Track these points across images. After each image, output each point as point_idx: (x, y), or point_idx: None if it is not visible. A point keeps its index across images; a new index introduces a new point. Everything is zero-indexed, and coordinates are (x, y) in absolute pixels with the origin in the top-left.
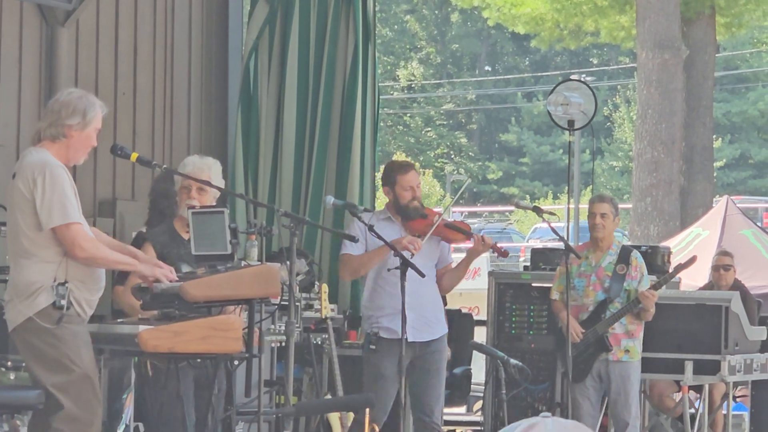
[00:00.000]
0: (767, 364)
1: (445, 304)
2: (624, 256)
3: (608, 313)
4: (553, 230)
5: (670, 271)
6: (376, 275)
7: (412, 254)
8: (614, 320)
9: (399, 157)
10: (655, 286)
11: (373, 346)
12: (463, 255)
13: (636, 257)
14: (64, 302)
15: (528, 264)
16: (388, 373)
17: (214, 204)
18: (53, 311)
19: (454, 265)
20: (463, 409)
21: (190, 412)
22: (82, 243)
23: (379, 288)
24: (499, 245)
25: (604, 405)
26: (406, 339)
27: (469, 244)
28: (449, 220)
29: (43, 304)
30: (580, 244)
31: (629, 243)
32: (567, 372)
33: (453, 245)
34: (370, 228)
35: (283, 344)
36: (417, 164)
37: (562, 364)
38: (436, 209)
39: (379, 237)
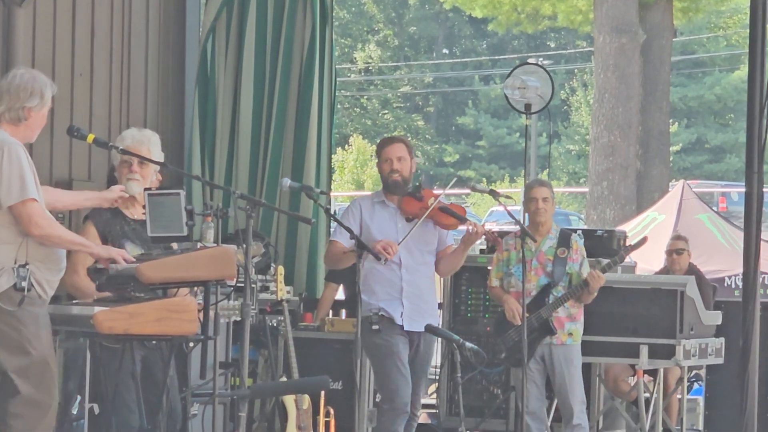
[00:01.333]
0: (722, 349)
1: None
2: (564, 239)
3: (551, 298)
4: (510, 213)
5: (637, 256)
6: (374, 260)
7: (386, 259)
8: (560, 304)
9: (356, 139)
10: (604, 269)
11: (376, 326)
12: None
13: (576, 240)
14: (25, 284)
15: (484, 247)
16: (398, 349)
17: (155, 177)
18: (14, 293)
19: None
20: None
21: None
22: (38, 220)
23: (375, 273)
24: (493, 233)
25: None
26: (375, 319)
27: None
28: (445, 203)
29: (4, 286)
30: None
31: (585, 227)
32: (518, 357)
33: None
34: (326, 211)
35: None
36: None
37: (504, 348)
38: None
39: (354, 237)
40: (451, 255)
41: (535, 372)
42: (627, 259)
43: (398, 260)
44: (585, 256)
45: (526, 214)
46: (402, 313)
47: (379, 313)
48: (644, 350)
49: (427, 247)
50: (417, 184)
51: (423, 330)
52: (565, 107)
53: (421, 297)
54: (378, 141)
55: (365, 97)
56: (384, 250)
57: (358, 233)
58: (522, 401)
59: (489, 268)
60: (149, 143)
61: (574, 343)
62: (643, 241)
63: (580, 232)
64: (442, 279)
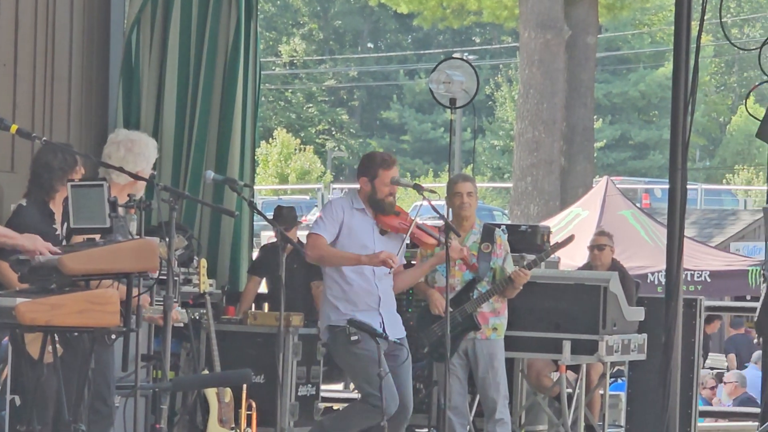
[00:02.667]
0: (644, 345)
1: None
2: (488, 234)
3: (476, 293)
4: (434, 208)
5: (547, 250)
6: (349, 269)
7: (391, 269)
8: (485, 299)
9: (280, 133)
10: (530, 265)
11: (355, 337)
12: None
13: (500, 235)
14: None
15: (408, 242)
16: (376, 353)
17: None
18: None
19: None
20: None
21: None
22: None
23: (352, 283)
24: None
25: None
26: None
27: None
28: (421, 222)
29: None
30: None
31: (509, 222)
32: (441, 352)
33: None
34: (250, 204)
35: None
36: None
37: (427, 343)
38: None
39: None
40: (413, 270)
41: (458, 367)
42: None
43: (373, 270)
44: (509, 251)
45: (450, 209)
46: (381, 322)
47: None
48: (567, 346)
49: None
50: (395, 179)
51: (401, 337)
52: (490, 102)
53: (393, 306)
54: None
55: (290, 90)
56: (389, 259)
57: (337, 234)
58: (445, 396)
59: (413, 262)
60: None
61: (498, 337)
62: (570, 239)
63: (504, 227)
64: None
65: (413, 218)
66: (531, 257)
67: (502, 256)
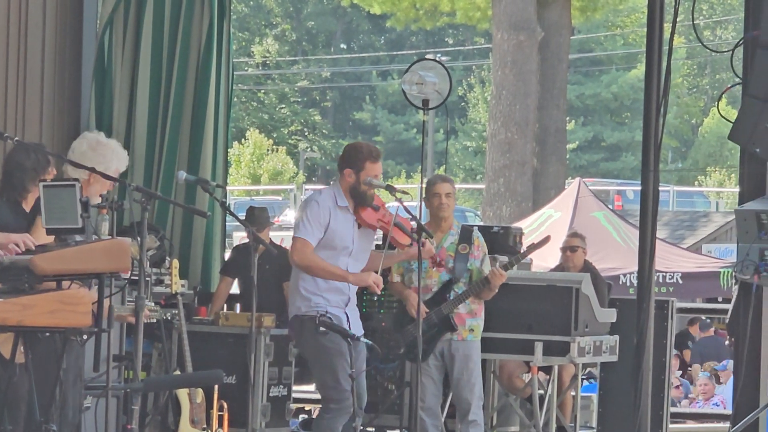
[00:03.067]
0: (616, 347)
1: None
2: (465, 235)
3: (452, 294)
4: (406, 209)
5: (523, 251)
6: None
7: (377, 294)
8: (461, 300)
9: (253, 133)
10: (506, 266)
11: (323, 329)
12: None
13: (478, 237)
14: None
15: (380, 243)
16: (345, 350)
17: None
18: None
19: None
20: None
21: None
22: None
23: (329, 281)
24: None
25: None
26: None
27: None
28: (397, 218)
29: None
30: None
31: (481, 223)
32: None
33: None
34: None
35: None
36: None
37: (403, 343)
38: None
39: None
40: (386, 258)
41: (433, 368)
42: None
43: (347, 270)
44: (486, 252)
45: (427, 210)
46: (346, 321)
47: (327, 315)
48: (539, 347)
49: (366, 257)
50: (368, 180)
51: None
52: (463, 104)
53: (356, 304)
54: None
55: (262, 91)
56: (375, 284)
57: (322, 235)
58: (416, 396)
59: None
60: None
61: (475, 339)
62: (546, 240)
63: (476, 228)
64: None
65: (392, 214)
66: (505, 258)
67: (480, 257)
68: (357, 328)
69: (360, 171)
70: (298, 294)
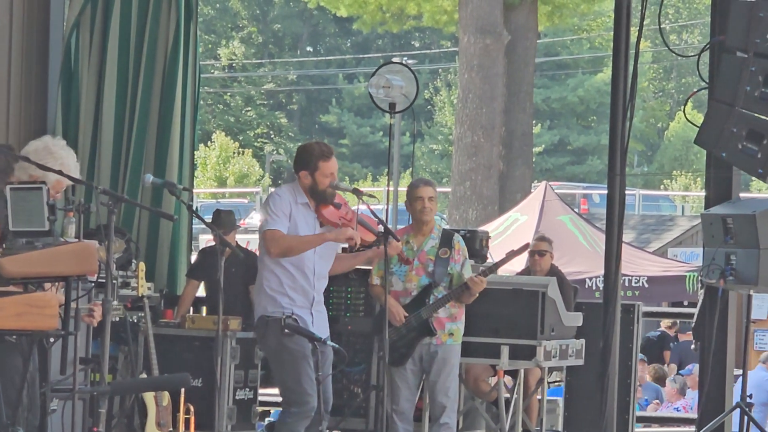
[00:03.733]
0: (582, 350)
1: None
2: (446, 239)
3: (432, 298)
4: (373, 213)
5: (500, 257)
6: (290, 264)
7: (356, 245)
8: (441, 305)
9: (219, 136)
10: (484, 272)
11: (288, 330)
12: None
13: (458, 241)
14: None
15: (346, 246)
16: (309, 353)
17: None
18: None
19: None
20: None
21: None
22: None
23: (292, 278)
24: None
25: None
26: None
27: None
28: (361, 214)
29: None
30: (399, 228)
31: (447, 227)
32: (392, 356)
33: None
34: (189, 207)
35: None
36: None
37: (380, 347)
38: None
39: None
40: (349, 258)
41: (410, 373)
42: (488, 259)
43: (313, 269)
44: (467, 256)
45: (408, 213)
46: (311, 322)
47: (293, 316)
48: (505, 351)
49: (332, 254)
50: (334, 184)
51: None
52: (429, 107)
53: (322, 306)
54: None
55: (228, 93)
56: (351, 239)
57: (288, 224)
58: (385, 400)
59: (369, 267)
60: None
61: (455, 343)
62: (525, 247)
63: (457, 233)
64: None
65: (354, 210)
66: (486, 264)
67: (461, 261)
68: (323, 329)
69: (315, 171)
70: (263, 293)
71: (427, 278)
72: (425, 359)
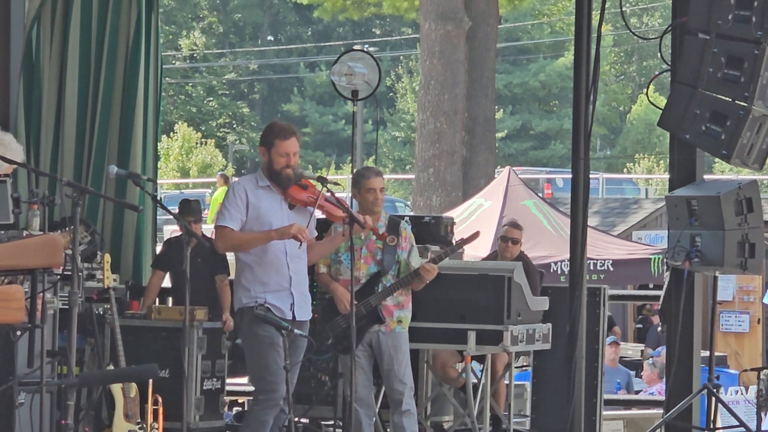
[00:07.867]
0: (549, 335)
1: None
2: (393, 227)
3: (381, 286)
4: (338, 200)
5: (454, 242)
6: (260, 249)
7: (301, 243)
8: (390, 292)
9: (181, 127)
10: (435, 260)
11: (258, 318)
12: None
13: (405, 228)
14: None
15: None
16: (278, 341)
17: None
18: None
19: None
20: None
21: None
22: None
23: (264, 263)
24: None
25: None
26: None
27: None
28: (328, 194)
29: None
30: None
31: (412, 213)
32: (345, 344)
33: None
34: (153, 198)
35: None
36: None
37: (331, 335)
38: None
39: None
40: (326, 242)
41: (363, 358)
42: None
43: (284, 249)
44: (414, 243)
45: (359, 202)
46: (292, 304)
47: (265, 305)
48: (472, 336)
49: (309, 236)
50: (299, 172)
51: (306, 319)
52: (391, 94)
53: (305, 285)
54: (270, 126)
55: (190, 84)
56: (299, 233)
57: (246, 215)
58: (351, 388)
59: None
60: None
61: (403, 330)
62: (476, 235)
63: (407, 218)
64: None
65: (320, 192)
66: (436, 249)
67: (408, 248)
68: (304, 309)
69: (270, 148)
70: (239, 286)
71: (375, 266)
72: (375, 347)
